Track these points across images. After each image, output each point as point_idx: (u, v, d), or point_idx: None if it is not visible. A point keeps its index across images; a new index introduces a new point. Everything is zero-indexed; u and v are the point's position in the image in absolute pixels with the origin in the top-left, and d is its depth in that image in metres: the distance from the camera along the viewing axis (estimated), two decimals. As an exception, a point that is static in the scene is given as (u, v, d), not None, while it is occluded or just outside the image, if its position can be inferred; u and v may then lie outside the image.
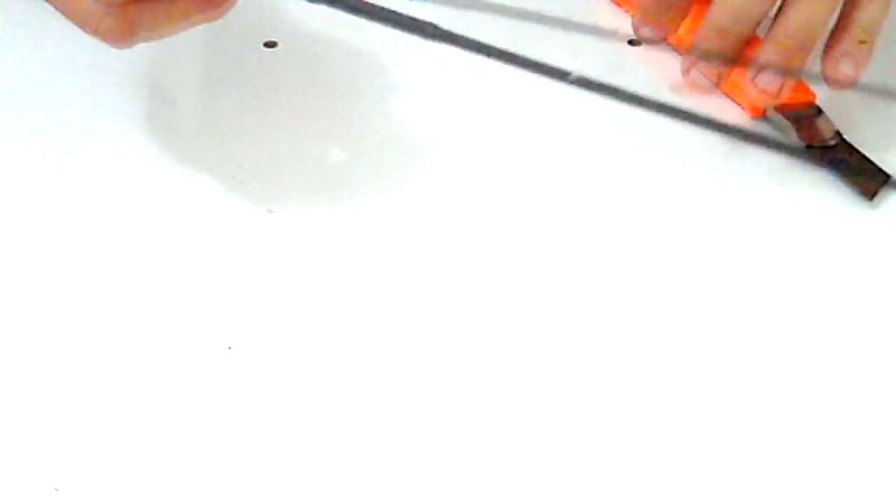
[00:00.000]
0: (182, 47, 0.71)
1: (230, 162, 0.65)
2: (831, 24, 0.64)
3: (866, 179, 0.64)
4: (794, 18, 0.63)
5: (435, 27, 0.51)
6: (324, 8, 0.62)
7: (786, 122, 0.66)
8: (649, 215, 0.63)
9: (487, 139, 0.66)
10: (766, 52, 0.64)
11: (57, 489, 0.52)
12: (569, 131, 0.66)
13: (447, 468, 0.53)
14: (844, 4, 0.64)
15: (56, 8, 0.57)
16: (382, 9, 0.51)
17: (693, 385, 0.56)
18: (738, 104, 0.68)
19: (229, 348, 0.57)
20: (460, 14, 0.61)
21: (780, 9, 0.64)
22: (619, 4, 0.73)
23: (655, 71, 0.69)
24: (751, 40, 0.65)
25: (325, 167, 0.65)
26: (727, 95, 0.68)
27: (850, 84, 0.64)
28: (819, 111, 0.66)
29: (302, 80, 0.70)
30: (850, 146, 0.65)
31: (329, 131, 0.67)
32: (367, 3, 0.52)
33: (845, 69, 0.64)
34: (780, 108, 0.66)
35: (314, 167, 0.65)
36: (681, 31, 0.69)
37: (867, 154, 0.64)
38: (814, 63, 0.67)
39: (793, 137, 0.65)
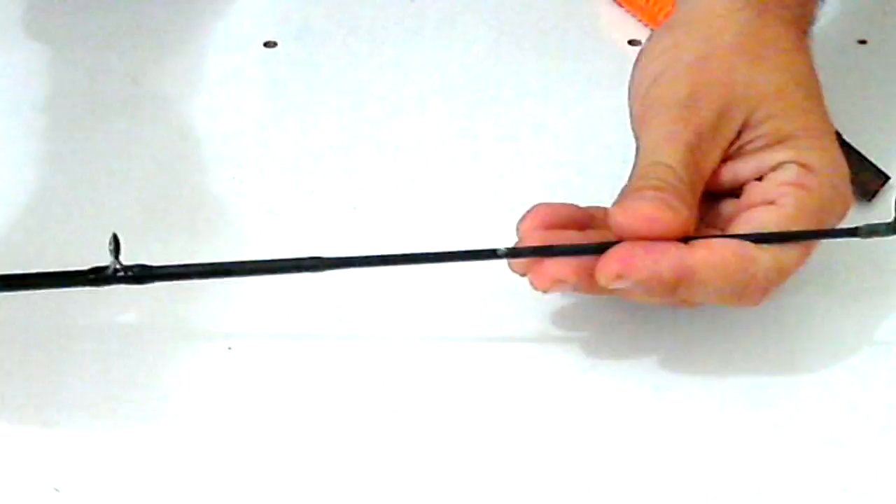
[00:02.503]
0: (182, 46, 0.71)
1: (230, 162, 0.65)
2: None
3: (866, 180, 0.64)
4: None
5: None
6: (324, 8, 0.63)
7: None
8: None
9: (484, 139, 0.66)
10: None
11: (57, 489, 0.52)
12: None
13: (444, 473, 0.54)
14: None
15: None
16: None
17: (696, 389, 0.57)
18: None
19: (229, 348, 0.57)
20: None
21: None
22: (619, 4, 0.73)
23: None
24: None
25: (325, 167, 0.65)
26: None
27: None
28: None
29: (302, 80, 0.70)
30: (850, 146, 0.65)
31: (329, 131, 0.67)
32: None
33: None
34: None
35: (314, 167, 0.65)
36: None
37: (867, 154, 0.64)
38: (814, 59, 0.67)
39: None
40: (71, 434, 0.54)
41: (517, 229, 0.55)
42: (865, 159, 0.64)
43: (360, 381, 0.56)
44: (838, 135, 0.65)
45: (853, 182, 0.63)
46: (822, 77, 0.65)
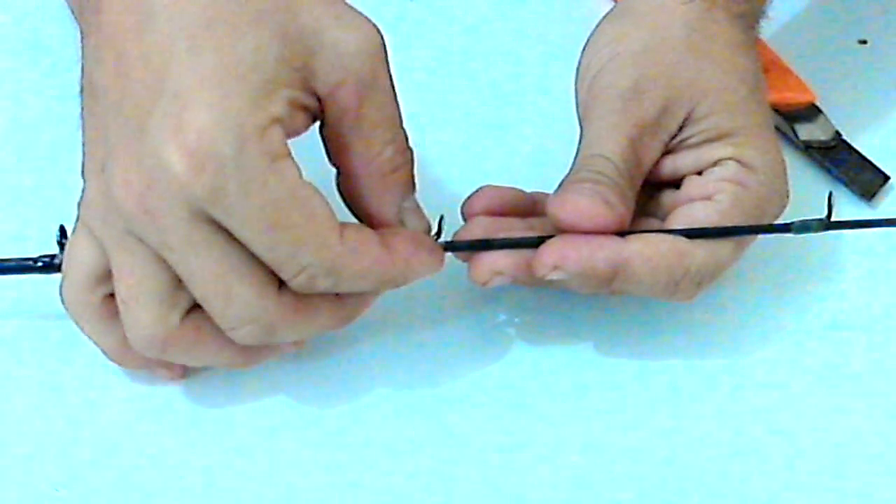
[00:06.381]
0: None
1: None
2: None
3: (865, 179, 0.64)
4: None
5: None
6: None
7: (785, 123, 0.66)
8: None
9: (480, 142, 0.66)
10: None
11: (57, 489, 0.52)
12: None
13: (436, 470, 0.54)
14: None
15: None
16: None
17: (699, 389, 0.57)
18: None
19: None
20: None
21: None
22: (619, 4, 0.73)
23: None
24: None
25: (324, 166, 0.65)
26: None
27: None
28: (818, 111, 0.66)
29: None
30: (850, 146, 0.65)
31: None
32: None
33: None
34: (780, 109, 0.65)
35: (312, 166, 0.65)
36: None
37: (866, 154, 0.64)
38: (814, 59, 0.67)
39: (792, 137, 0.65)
40: (71, 434, 0.54)
41: (461, 211, 0.56)
42: (865, 159, 0.64)
43: (354, 378, 0.56)
44: (838, 135, 0.65)
45: (853, 182, 0.63)
46: (822, 77, 0.66)
